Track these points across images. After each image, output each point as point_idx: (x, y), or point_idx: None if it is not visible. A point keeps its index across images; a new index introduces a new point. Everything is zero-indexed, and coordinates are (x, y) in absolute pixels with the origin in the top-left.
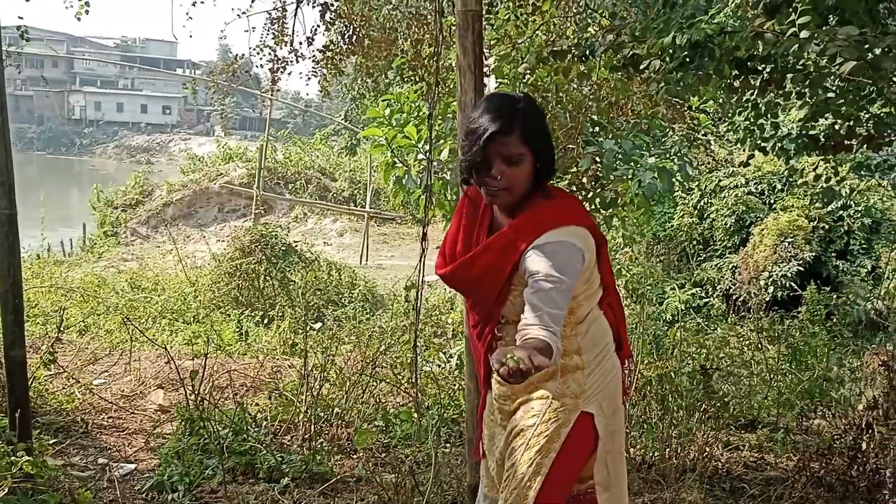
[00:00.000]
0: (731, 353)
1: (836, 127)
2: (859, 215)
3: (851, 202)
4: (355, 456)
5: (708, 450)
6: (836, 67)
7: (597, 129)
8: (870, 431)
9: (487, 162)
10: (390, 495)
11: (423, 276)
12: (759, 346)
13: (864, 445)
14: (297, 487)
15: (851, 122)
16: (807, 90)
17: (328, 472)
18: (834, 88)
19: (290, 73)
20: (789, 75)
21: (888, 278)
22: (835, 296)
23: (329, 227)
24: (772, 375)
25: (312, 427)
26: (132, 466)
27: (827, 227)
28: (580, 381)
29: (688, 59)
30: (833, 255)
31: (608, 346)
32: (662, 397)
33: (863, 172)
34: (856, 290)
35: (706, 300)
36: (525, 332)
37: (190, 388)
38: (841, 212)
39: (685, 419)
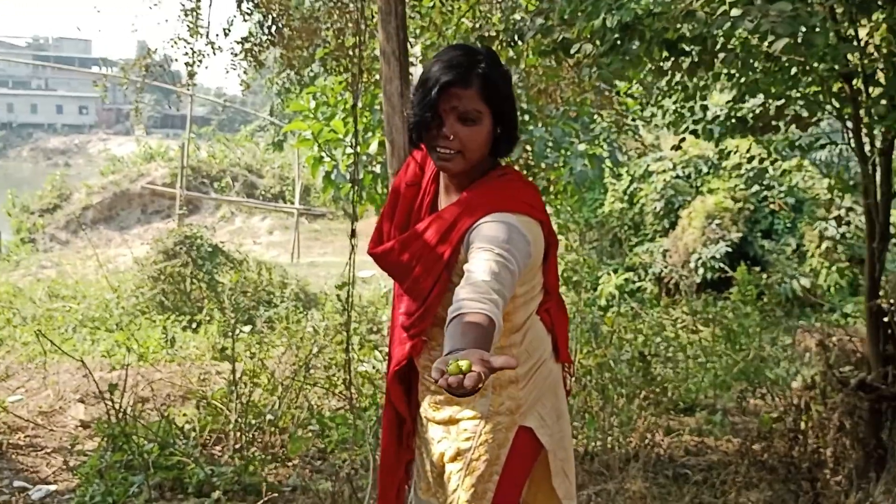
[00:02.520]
0: (667, 338)
1: (766, 108)
2: (782, 195)
3: (775, 183)
4: (290, 464)
5: (650, 437)
6: (767, 46)
7: (526, 117)
8: (808, 411)
9: (439, 118)
10: None
11: (354, 273)
12: (694, 328)
13: (803, 426)
14: (229, 501)
15: (783, 101)
16: (736, 71)
17: (261, 483)
18: (763, 69)
19: (207, 67)
20: (721, 55)
21: (812, 255)
22: (765, 275)
23: (258, 226)
24: (707, 358)
25: (243, 436)
26: (52, 488)
27: (752, 207)
28: (514, 396)
29: (618, 42)
30: (759, 234)
31: (544, 352)
32: (602, 386)
33: (794, 152)
34: (781, 268)
35: (639, 284)
36: (460, 306)
37: (109, 401)
38: (765, 192)
39: (626, 407)
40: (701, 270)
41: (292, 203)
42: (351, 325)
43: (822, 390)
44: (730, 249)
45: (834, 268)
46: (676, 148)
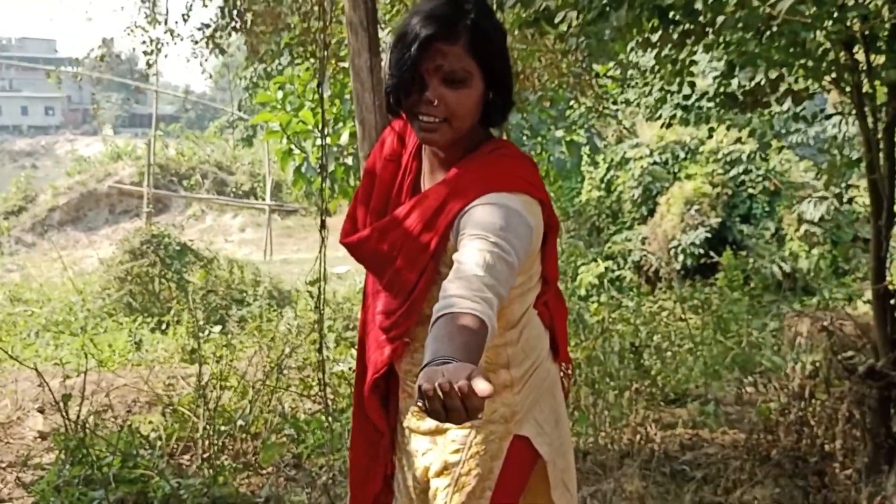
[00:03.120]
0: (656, 328)
1: (760, 81)
2: (760, 179)
3: (752, 167)
4: (264, 472)
5: (643, 431)
6: (770, 7)
7: None
8: (812, 401)
9: (421, 80)
10: None
11: (326, 268)
12: (682, 317)
13: (808, 417)
14: None
15: (783, 70)
16: (733, 38)
17: (233, 495)
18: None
19: (167, 56)
20: (720, 18)
21: (790, 239)
22: (751, 260)
23: (229, 223)
24: (697, 347)
25: (213, 444)
26: None
27: (730, 192)
28: (509, 402)
29: (606, 9)
30: (737, 219)
31: (542, 351)
32: (593, 380)
33: (797, 124)
34: (761, 252)
35: (618, 273)
36: (449, 303)
37: (65, 412)
38: (742, 176)
39: (618, 400)
40: (681, 257)
41: (264, 200)
42: (324, 323)
43: (826, 378)
44: (709, 235)
45: (815, 250)
46: (667, 126)
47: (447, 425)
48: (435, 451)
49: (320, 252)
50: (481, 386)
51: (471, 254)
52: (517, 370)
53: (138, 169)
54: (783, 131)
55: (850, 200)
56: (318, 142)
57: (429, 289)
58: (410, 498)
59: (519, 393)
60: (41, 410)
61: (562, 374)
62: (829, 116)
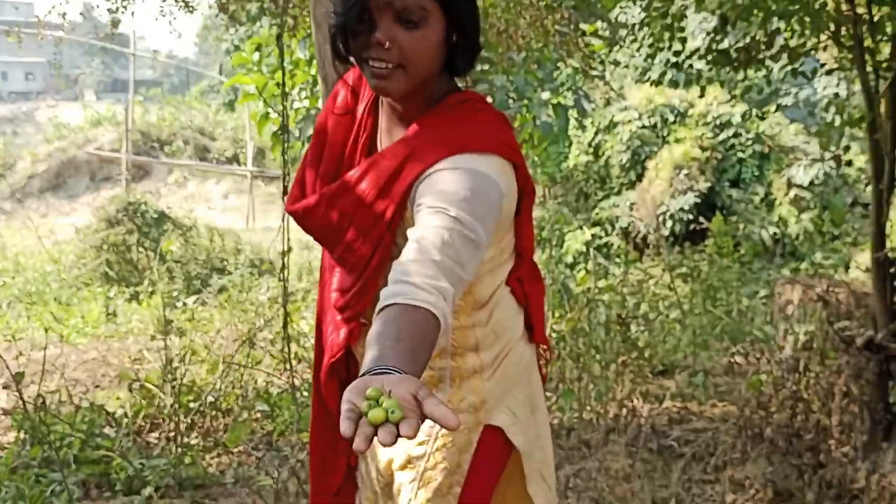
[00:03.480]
0: (644, 297)
1: (755, 36)
2: (750, 143)
3: (742, 130)
4: (235, 451)
5: (630, 405)
6: None
7: (486, 66)
8: (806, 374)
9: (370, 18)
10: (270, 503)
11: (288, 237)
12: (671, 286)
13: (803, 392)
14: (164, 497)
15: (779, 24)
16: None
17: (200, 475)
18: None
19: (133, 14)
20: None
21: (779, 204)
22: (741, 225)
23: (212, 190)
24: (686, 316)
25: (181, 421)
26: None
27: (720, 156)
28: (478, 389)
29: None
30: (727, 183)
31: (515, 333)
32: (578, 354)
33: (796, 80)
34: (748, 217)
35: (606, 240)
36: (398, 290)
37: (18, 389)
38: (732, 140)
39: (603, 374)
40: (669, 223)
41: (246, 166)
42: (288, 297)
43: (821, 350)
44: (698, 200)
45: (804, 215)
46: (656, 84)
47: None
48: (398, 442)
49: (283, 221)
50: (437, 413)
51: (427, 232)
52: (487, 354)
53: (118, 135)
54: (775, 93)
55: (849, 163)
56: (296, 104)
57: (385, 264)
58: (374, 491)
59: (490, 379)
60: (6, 386)
61: (539, 357)
62: (830, 72)
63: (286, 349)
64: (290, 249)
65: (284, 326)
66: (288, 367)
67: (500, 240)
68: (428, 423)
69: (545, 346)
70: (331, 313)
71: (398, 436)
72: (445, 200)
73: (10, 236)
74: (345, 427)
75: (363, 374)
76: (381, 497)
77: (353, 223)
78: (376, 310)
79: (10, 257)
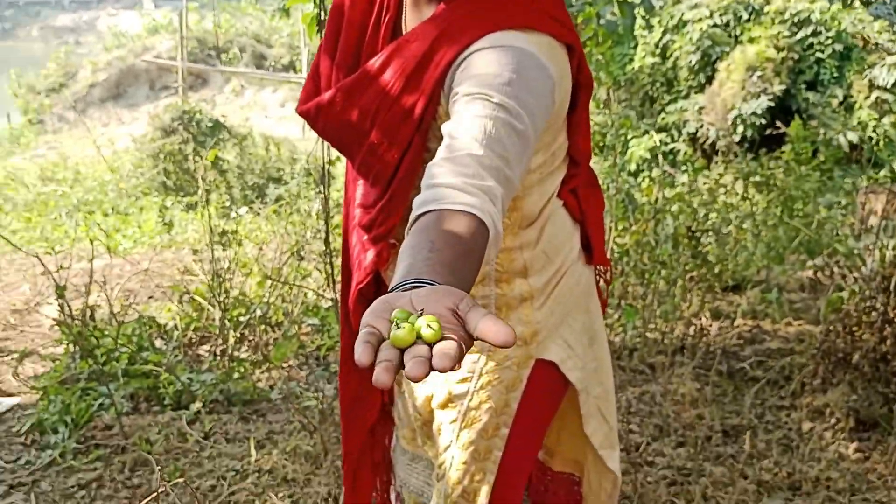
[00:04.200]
0: (713, 207)
1: None
2: (830, 41)
3: (822, 28)
4: (285, 366)
5: (697, 323)
6: None
7: None
8: None
9: None
10: (315, 424)
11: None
12: (745, 195)
13: (892, 314)
14: (212, 412)
15: None
16: None
17: (248, 390)
18: None
19: None
20: None
21: (860, 107)
22: (822, 130)
23: (268, 99)
24: (759, 227)
25: (230, 335)
26: (13, 401)
27: (796, 56)
28: (528, 320)
29: None
30: (803, 86)
31: (570, 253)
32: (642, 270)
33: None
34: (825, 121)
35: (672, 146)
36: (433, 195)
37: (63, 303)
38: (811, 39)
39: (671, 290)
40: (740, 128)
41: (302, 73)
42: (329, 209)
43: None
44: (772, 104)
45: (885, 119)
46: None
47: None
48: (437, 377)
49: None
50: (486, 326)
51: (466, 123)
52: (538, 279)
53: (175, 43)
54: None
55: None
56: None
57: (415, 173)
58: (412, 429)
59: (541, 308)
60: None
61: (598, 281)
62: None
63: (328, 265)
64: (337, 158)
65: (326, 242)
66: (328, 284)
67: (552, 142)
68: (470, 358)
69: (605, 268)
70: (357, 233)
71: (431, 366)
72: (485, 85)
73: (72, 146)
74: (360, 352)
75: (391, 290)
76: (419, 436)
77: (375, 123)
78: (409, 223)
79: (70, 167)
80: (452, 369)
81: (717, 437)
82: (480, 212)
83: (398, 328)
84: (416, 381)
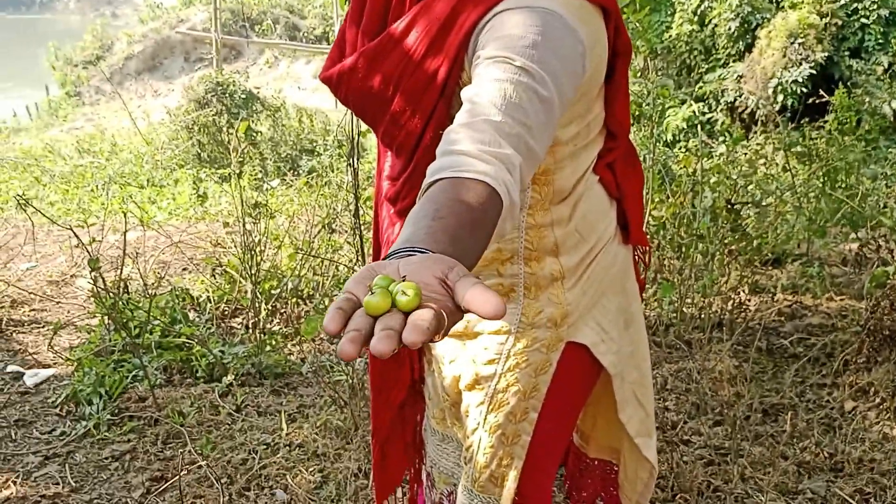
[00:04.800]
0: (753, 179)
1: None
2: (875, 6)
3: None
4: (317, 340)
5: (735, 297)
6: None
7: None
8: None
9: None
10: (346, 398)
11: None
12: (787, 166)
13: None
14: (244, 385)
15: None
16: None
17: (280, 363)
18: None
19: None
20: None
21: None
22: (867, 99)
23: (302, 70)
24: (801, 200)
25: (262, 307)
26: (48, 372)
27: (840, 22)
28: (559, 300)
29: None
30: (846, 53)
31: (605, 231)
32: (679, 244)
33: None
34: (869, 89)
35: (709, 116)
36: (446, 163)
37: (96, 276)
38: (855, 4)
39: (709, 265)
40: (781, 97)
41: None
42: (359, 182)
43: None
44: (814, 72)
45: None
46: None
47: (480, 327)
48: (464, 357)
49: None
50: (473, 296)
51: (485, 87)
52: (570, 258)
53: (209, 14)
54: None
55: None
56: None
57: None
58: (441, 409)
59: (573, 288)
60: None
61: (635, 261)
62: None
63: (359, 238)
64: (367, 130)
65: (356, 215)
66: (360, 256)
67: (586, 112)
68: (498, 339)
69: (644, 248)
70: (385, 206)
71: (400, 339)
72: (508, 47)
73: (109, 118)
74: (328, 319)
75: (385, 258)
76: (448, 416)
77: (398, 90)
78: (420, 191)
79: (107, 139)
80: (432, 340)
81: (755, 416)
82: (494, 181)
83: (372, 294)
84: (382, 356)
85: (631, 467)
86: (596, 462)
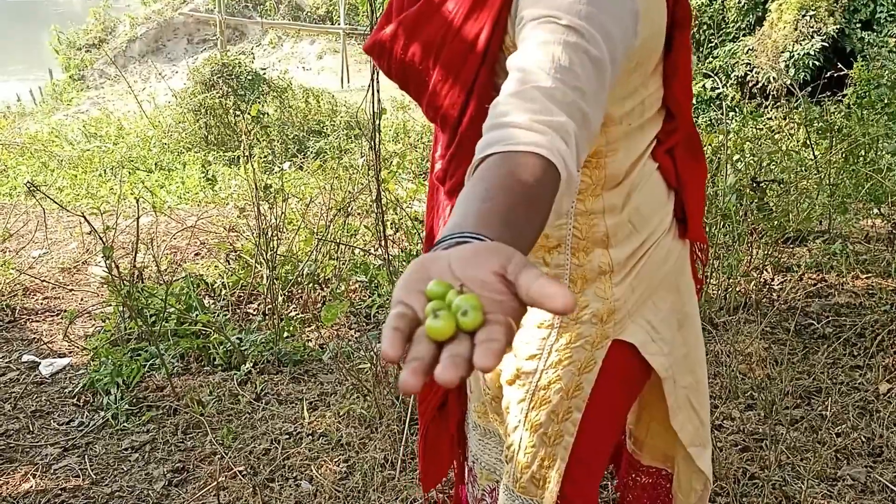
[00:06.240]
0: (773, 155)
1: None
2: None
3: None
4: (336, 325)
5: (760, 277)
6: None
7: None
8: None
9: None
10: (369, 387)
11: (379, 96)
12: (808, 140)
13: None
14: (263, 372)
15: None
16: None
17: (298, 350)
18: None
19: None
20: None
21: None
22: (886, 71)
23: (307, 51)
24: (822, 176)
25: (278, 293)
26: (64, 361)
27: None
28: (606, 295)
29: None
30: (858, 26)
31: (661, 224)
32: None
33: None
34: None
35: (719, 91)
36: (495, 137)
37: (111, 263)
38: None
39: (734, 244)
40: (792, 71)
41: (339, 24)
42: (381, 164)
43: None
44: (825, 45)
45: None
46: None
47: (522, 320)
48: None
49: (372, 77)
50: (539, 290)
51: (532, 52)
52: (620, 251)
53: None
54: None
55: None
56: None
57: (485, 115)
58: (483, 403)
59: (621, 283)
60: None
61: (692, 259)
62: None
63: (380, 223)
64: (383, 111)
65: (378, 200)
66: (382, 240)
67: (642, 87)
68: (540, 333)
69: (703, 245)
70: (439, 188)
71: (471, 365)
72: (553, 6)
73: (114, 101)
74: (387, 344)
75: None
76: (490, 411)
77: (439, 59)
78: (468, 170)
79: (113, 122)
80: (493, 366)
81: (788, 399)
82: (548, 151)
83: (435, 317)
84: (448, 385)
85: (685, 478)
86: (650, 470)
